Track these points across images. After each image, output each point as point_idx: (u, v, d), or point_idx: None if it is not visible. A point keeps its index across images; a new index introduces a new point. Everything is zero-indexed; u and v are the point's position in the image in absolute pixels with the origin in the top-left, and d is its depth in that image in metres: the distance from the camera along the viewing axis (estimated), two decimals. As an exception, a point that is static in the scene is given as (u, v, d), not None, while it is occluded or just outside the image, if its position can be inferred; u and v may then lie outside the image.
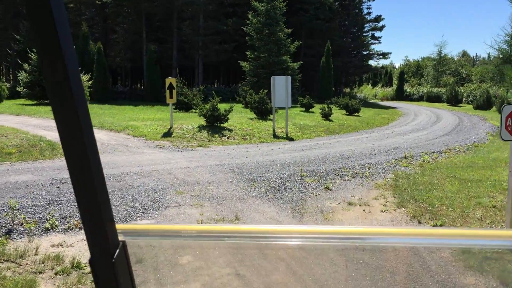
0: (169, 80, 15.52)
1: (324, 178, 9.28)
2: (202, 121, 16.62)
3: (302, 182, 8.86)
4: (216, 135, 15.07)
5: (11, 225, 5.84)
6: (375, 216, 6.88)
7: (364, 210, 7.15)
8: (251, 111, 20.56)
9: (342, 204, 7.49)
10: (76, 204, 6.32)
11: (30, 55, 27.35)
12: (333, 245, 0.98)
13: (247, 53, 34.11)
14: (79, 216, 0.85)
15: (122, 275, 0.79)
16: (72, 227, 5.89)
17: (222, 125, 16.32)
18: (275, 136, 16.00)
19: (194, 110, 22.29)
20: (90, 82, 28.50)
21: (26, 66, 26.91)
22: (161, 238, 0.98)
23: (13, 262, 4.78)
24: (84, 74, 29.16)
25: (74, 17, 45.92)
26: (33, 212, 6.37)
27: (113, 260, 0.76)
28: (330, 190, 8.37)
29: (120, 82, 51.29)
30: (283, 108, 17.49)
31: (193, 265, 1.48)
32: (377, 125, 22.06)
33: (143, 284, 1.07)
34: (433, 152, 13.18)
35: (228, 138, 15.06)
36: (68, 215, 6.32)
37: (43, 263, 4.74)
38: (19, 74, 27.47)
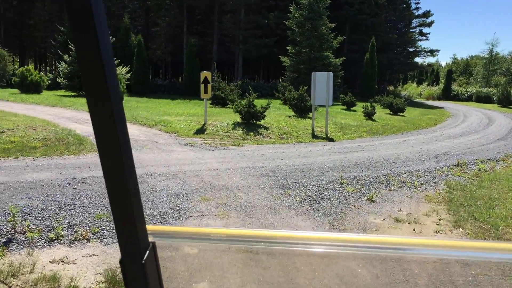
0: (204, 74, 14.83)
1: (367, 187, 8.31)
2: (238, 118, 15.87)
3: (342, 191, 7.93)
4: (251, 133, 14.28)
5: (12, 233, 5.23)
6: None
7: (414, 230, 6.16)
8: (289, 108, 19.65)
9: (388, 220, 6.52)
10: (87, 210, 5.57)
11: (70, 46, 27.40)
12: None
13: (288, 47, 33.14)
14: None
15: (151, 276, 0.79)
16: (79, 238, 5.22)
17: (258, 122, 15.52)
18: (314, 136, 15.05)
19: (230, 106, 21.59)
20: (129, 74, 28.31)
21: (66, 57, 26.99)
22: (190, 241, 0.95)
23: (2, 282, 4.13)
24: (123, 66, 29.03)
25: (117, 9, 46.24)
26: (40, 218, 5.75)
27: (143, 261, 0.76)
28: (374, 202, 7.40)
29: (161, 75, 51.39)
30: (323, 106, 16.52)
31: (221, 268, 1.47)
32: (423, 127, 20.68)
33: (171, 286, 1.06)
34: (489, 159, 11.90)
35: (263, 136, 14.24)
36: (78, 222, 5.67)
37: (35, 285, 4.07)
38: (60, 65, 27.59)
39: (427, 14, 49.32)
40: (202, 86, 14.83)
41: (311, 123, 16.30)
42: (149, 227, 0.83)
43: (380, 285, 2.06)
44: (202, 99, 16.58)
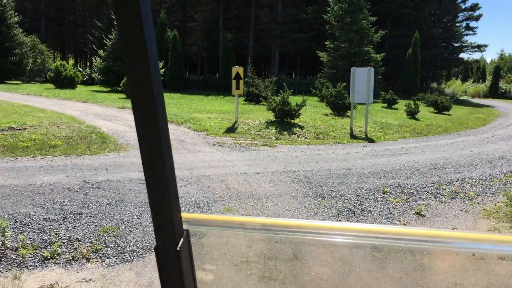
0: (236, 69, 14.04)
1: (414, 198, 7.30)
2: (271, 116, 15.01)
3: (385, 202, 6.96)
4: (285, 133, 13.40)
5: (2, 250, 4.56)
6: (491, 266, 4.87)
7: (473, 255, 5.12)
8: (326, 106, 18.62)
9: (440, 241, 5.50)
10: (94, 221, 4.82)
11: (105, 41, 27.23)
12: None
13: (326, 42, 31.96)
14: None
15: (185, 263, 0.80)
16: (78, 258, 4.50)
17: (292, 121, 14.60)
18: (353, 136, 14.02)
19: (264, 103, 20.77)
20: (163, 70, 27.87)
21: (101, 52, 26.83)
22: (224, 229, 0.95)
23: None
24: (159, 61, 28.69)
25: (154, 4, 46.13)
26: (39, 231, 5.08)
27: (178, 249, 0.77)
28: (423, 216, 6.41)
29: (198, 71, 51.08)
30: (363, 104, 15.45)
31: (253, 258, 1.52)
32: (471, 127, 19.21)
33: (203, 273, 1.09)
34: (553, 166, 10.57)
35: (298, 136, 13.33)
36: (80, 237, 4.97)
37: (11, 321, 3.36)
38: (95, 61, 27.48)
39: (474, 7, 46.84)
40: (233, 82, 14.04)
41: (350, 122, 15.26)
42: (184, 215, 0.82)
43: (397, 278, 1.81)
44: (238, 95, 15.82)
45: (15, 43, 30.29)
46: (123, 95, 21.96)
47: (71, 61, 59.06)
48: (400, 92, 31.22)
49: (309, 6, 39.57)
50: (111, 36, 27.15)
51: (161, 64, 28.21)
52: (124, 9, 0.63)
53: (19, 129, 10.59)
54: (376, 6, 35.63)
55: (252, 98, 20.90)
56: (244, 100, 21.54)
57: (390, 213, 6.54)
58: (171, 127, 13.41)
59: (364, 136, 14.26)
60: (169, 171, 0.74)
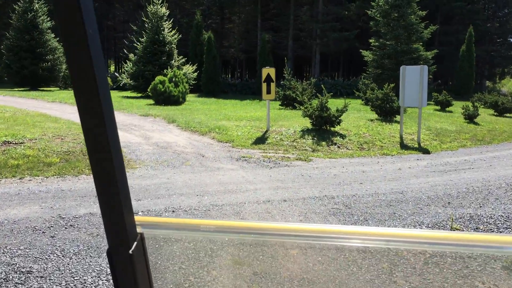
0: (266, 71, 12.31)
1: (495, 239, 5.28)
2: (308, 123, 13.18)
3: (456, 248, 4.99)
4: (323, 143, 11.54)
5: None
6: None
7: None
8: (371, 110, 16.57)
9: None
10: (43, 286, 3.18)
11: (135, 45, 26.21)
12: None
13: (371, 40, 29.66)
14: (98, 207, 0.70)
15: (139, 266, 0.79)
16: None
17: (332, 129, 12.72)
18: (403, 146, 12.00)
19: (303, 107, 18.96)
20: (195, 73, 26.55)
21: (131, 56, 25.81)
22: (179, 232, 0.95)
23: None
24: (191, 65, 27.37)
25: (190, 7, 45.19)
26: (-47, 306, 3.54)
27: (131, 252, 0.76)
28: (515, 274, 4.41)
29: (237, 74, 49.71)
30: (414, 107, 13.36)
31: (210, 259, 1.57)
32: (542, 132, 16.63)
33: (160, 276, 1.07)
34: None
35: (339, 147, 11.45)
36: (8, 319, 3.37)
37: None
38: (126, 65, 26.50)
39: (534, -1, 43.05)
40: (264, 85, 12.31)
41: (399, 129, 13.22)
42: (137, 218, 0.81)
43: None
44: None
45: (47, 49, 29.79)
46: (151, 101, 20.71)
47: (112, 67, 59.23)
48: (453, 92, 28.54)
49: (352, 2, 37.31)
50: (142, 39, 26.07)
51: (193, 68, 26.89)
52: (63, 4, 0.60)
53: (15, 143, 9.28)
54: (425, 1, 32.99)
55: (289, 102, 19.11)
56: (279, 105, 19.78)
57: (467, 266, 4.60)
58: (194, 138, 11.84)
59: (416, 146, 12.21)
60: (119, 171, 0.71)
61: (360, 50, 30.32)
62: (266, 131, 12.51)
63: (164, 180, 7.66)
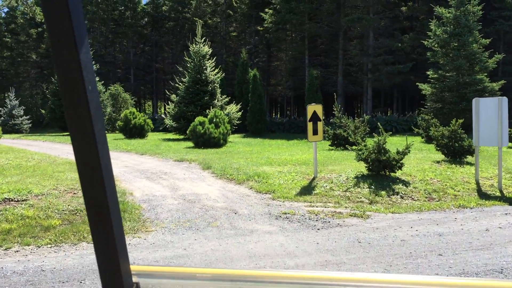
0: (312, 108, 10.60)
1: None
2: (363, 168, 11.24)
3: None
4: (383, 192, 9.54)
5: None
6: None
7: None
8: (437, 149, 14.35)
9: None
10: None
11: (177, 85, 25.39)
12: None
13: (428, 72, 27.40)
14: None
15: None
16: None
17: (392, 174, 10.70)
18: (482, 194, 9.78)
19: (355, 147, 16.98)
20: (239, 113, 25.25)
21: (173, 97, 24.95)
22: (175, 281, 0.93)
23: None
24: (235, 104, 26.15)
25: (237, 46, 44.73)
26: None
27: None
28: None
29: (286, 112, 48.36)
30: (489, 146, 11.13)
31: None
32: None
33: None
34: None
35: (402, 197, 9.41)
36: None
37: None
38: (168, 106, 25.66)
39: None
40: (309, 125, 10.58)
41: (474, 173, 10.99)
42: (133, 267, 0.80)
43: None
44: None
45: (91, 92, 29.60)
46: (191, 144, 19.40)
47: (162, 109, 59.62)
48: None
49: (405, 34, 35.29)
50: (185, 79, 25.22)
51: (237, 107, 25.62)
52: (58, 33, 0.61)
53: (17, 200, 7.98)
54: (485, 29, 30.52)
55: (340, 142, 17.21)
56: (329, 145, 17.90)
57: None
58: (229, 187, 10.18)
59: (498, 194, 9.94)
60: (115, 219, 0.70)
61: (417, 84, 28.07)
62: (314, 178, 10.66)
63: (180, 251, 5.98)
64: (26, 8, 55.40)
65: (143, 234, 6.81)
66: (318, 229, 7.09)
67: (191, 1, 51.30)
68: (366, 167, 10.84)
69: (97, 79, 32.94)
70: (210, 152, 16.56)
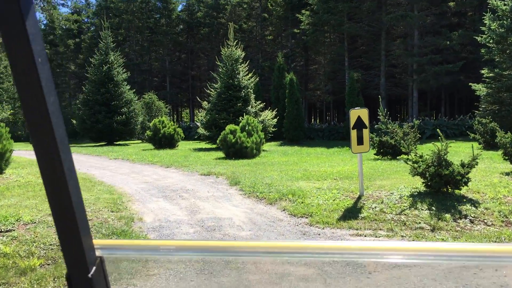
0: (355, 113, 8.86)
1: None
2: (418, 183, 9.41)
3: None
4: (447, 216, 7.68)
5: None
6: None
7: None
8: (504, 158, 12.27)
9: None
10: None
11: (209, 91, 24.08)
12: None
13: (483, 71, 24.88)
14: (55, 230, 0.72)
15: None
16: None
17: (457, 191, 8.80)
18: None
19: (406, 157, 15.02)
20: (275, 120, 23.62)
21: (204, 103, 23.65)
22: (140, 253, 0.92)
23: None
24: (271, 110, 24.54)
25: (273, 50, 43.23)
26: None
27: (90, 276, 0.75)
28: None
29: (326, 117, 46.37)
30: None
31: (172, 280, 1.81)
32: None
33: None
34: None
35: (472, 222, 7.54)
36: None
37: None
38: (200, 114, 24.37)
39: None
40: (353, 133, 8.84)
41: (559, 189, 8.94)
42: (96, 241, 0.79)
43: None
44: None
45: (122, 101, 28.78)
46: (222, 154, 17.93)
47: (198, 117, 58.82)
48: None
49: (453, 31, 32.68)
50: (216, 85, 23.88)
51: (274, 113, 24.00)
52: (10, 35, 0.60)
53: (0, 231, 6.65)
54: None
55: (386, 151, 15.30)
56: (374, 154, 15.99)
57: None
58: (258, 209, 8.59)
59: None
60: (75, 194, 0.68)
61: (470, 84, 25.57)
62: (359, 197, 8.90)
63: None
64: (64, 21, 56.05)
65: (141, 279, 5.30)
66: (370, 274, 5.38)
67: (226, 6, 50.27)
68: (423, 182, 8.99)
69: (133, 89, 32.24)
70: (241, 163, 15.03)
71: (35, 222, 7.11)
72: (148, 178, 12.32)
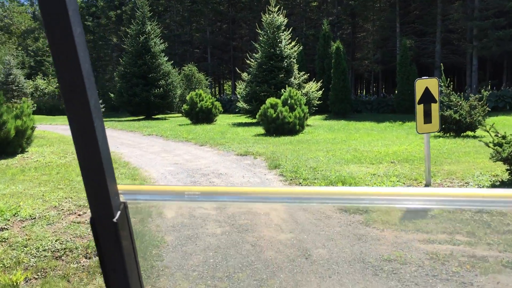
0: (423, 84, 7.14)
1: None
2: (499, 170, 7.68)
3: None
4: (544, 215, 5.98)
5: None
6: None
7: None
8: None
9: None
10: None
11: (249, 61, 22.54)
12: None
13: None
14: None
15: (123, 235, 0.79)
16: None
17: (552, 182, 7.02)
18: None
19: (471, 133, 13.16)
20: (320, 92, 21.84)
21: (244, 75, 22.16)
22: (163, 199, 0.91)
23: None
24: (316, 82, 22.75)
25: (318, 17, 40.88)
26: None
27: (115, 220, 0.76)
28: None
29: (373, 89, 43.84)
30: None
31: (195, 226, 2.08)
32: None
33: (144, 244, 1.67)
34: None
35: None
36: None
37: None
38: (239, 86, 22.93)
39: None
40: (419, 109, 7.16)
41: None
42: (120, 187, 0.79)
43: None
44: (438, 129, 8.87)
45: (159, 73, 27.64)
46: (262, 130, 16.51)
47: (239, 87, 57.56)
48: None
49: (520, -9, 29.28)
50: (256, 55, 22.28)
51: (319, 84, 22.21)
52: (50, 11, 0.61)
53: (-10, 229, 5.57)
54: None
55: (449, 127, 13.39)
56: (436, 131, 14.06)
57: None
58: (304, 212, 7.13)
59: None
60: (101, 139, 0.69)
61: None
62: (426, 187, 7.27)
63: None
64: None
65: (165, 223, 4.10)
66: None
67: (268, -28, 47.91)
68: (507, 169, 7.24)
69: (174, 61, 31.17)
70: (282, 141, 13.57)
71: (34, 218, 5.98)
72: (179, 159, 11.10)
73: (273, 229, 5.93)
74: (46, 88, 53.62)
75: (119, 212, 0.76)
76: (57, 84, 56.52)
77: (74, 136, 0.69)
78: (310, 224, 6.10)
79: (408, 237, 5.62)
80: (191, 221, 6.40)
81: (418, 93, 7.12)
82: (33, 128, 11.31)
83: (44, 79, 55.67)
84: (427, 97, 7.15)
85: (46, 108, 43.33)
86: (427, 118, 7.23)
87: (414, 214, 6.17)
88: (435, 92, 7.12)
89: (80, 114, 0.67)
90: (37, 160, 10.46)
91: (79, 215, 6.15)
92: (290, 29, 22.96)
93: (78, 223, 5.80)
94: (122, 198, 0.79)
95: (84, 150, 0.70)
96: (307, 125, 17.52)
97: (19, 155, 11.06)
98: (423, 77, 7.30)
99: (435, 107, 7.16)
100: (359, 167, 8.96)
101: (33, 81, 53.54)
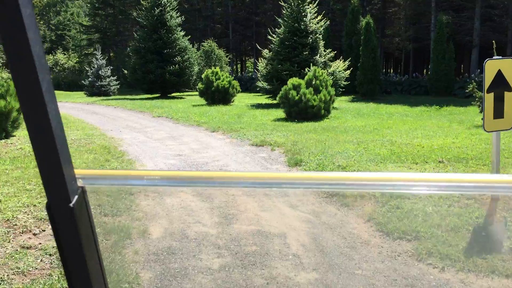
0: (495, 65, 5.38)
1: None
2: None
3: None
4: None
5: None
6: None
7: None
8: None
9: None
10: None
11: (271, 37, 20.76)
12: None
13: None
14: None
15: (80, 220, 0.76)
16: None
17: None
18: None
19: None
20: (348, 71, 19.94)
21: (265, 52, 20.41)
22: (123, 184, 0.90)
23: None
24: (343, 60, 20.85)
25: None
26: None
27: (71, 205, 0.73)
28: None
29: (400, 69, 41.40)
30: None
31: (154, 210, 1.80)
32: None
33: (103, 229, 1.42)
34: None
35: None
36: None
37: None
38: (259, 64, 21.20)
39: None
40: (487, 98, 5.44)
41: None
42: (78, 171, 0.77)
43: None
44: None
45: (175, 49, 25.98)
46: (282, 113, 14.85)
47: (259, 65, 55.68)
48: None
49: None
50: (279, 30, 20.46)
51: (347, 63, 20.31)
52: None
53: None
54: None
55: (497, 115, 11.44)
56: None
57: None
58: (327, 212, 5.58)
59: None
60: (55, 122, 0.67)
61: None
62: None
63: None
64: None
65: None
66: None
67: None
68: None
69: (193, 36, 29.42)
70: (305, 128, 11.93)
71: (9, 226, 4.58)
72: (185, 148, 9.60)
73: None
74: (66, 63, 52.73)
75: (76, 197, 0.73)
76: (77, 59, 55.46)
77: (27, 121, 0.66)
78: (338, 255, 4.54)
79: (478, 282, 4.03)
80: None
81: (488, 78, 5.38)
82: (19, 110, 9.92)
83: (64, 53, 54.71)
84: (499, 83, 5.41)
85: (65, 83, 42.36)
86: (498, 112, 5.50)
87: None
88: (510, 77, 5.37)
89: (32, 98, 0.64)
90: (20, 148, 9.10)
91: (34, 234, 4.69)
92: (316, 2, 20.98)
93: (28, 248, 4.32)
94: (80, 183, 0.75)
95: (37, 134, 0.66)
96: (334, 108, 15.78)
97: (2, 140, 9.72)
98: (494, 57, 5.53)
99: (509, 97, 5.42)
100: (400, 167, 7.28)
101: (53, 55, 52.63)
